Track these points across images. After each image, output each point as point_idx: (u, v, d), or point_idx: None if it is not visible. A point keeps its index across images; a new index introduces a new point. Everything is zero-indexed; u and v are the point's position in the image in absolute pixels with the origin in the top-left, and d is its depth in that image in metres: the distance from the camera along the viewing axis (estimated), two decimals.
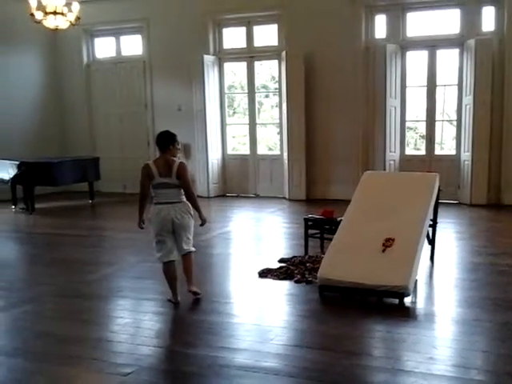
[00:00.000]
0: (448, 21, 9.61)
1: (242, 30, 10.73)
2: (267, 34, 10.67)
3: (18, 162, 9.61)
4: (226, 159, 11.11)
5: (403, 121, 10.05)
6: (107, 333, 4.18)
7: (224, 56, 10.91)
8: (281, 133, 10.67)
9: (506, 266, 5.55)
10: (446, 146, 10.87)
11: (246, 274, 5.57)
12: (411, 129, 11.09)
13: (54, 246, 7.18)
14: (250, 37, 10.66)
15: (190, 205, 4.58)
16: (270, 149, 11.67)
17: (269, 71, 11.65)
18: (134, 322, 4.40)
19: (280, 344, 3.81)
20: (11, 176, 9.66)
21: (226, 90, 11.22)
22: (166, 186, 4.46)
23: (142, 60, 11.32)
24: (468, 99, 9.29)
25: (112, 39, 11.75)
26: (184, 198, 4.55)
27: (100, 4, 10.85)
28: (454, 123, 10.02)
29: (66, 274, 5.76)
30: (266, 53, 10.68)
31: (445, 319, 4.25)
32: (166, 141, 4.55)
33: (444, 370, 3.32)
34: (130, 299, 4.94)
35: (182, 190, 4.53)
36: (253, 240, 7.56)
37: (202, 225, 4.72)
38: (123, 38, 11.68)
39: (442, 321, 4.24)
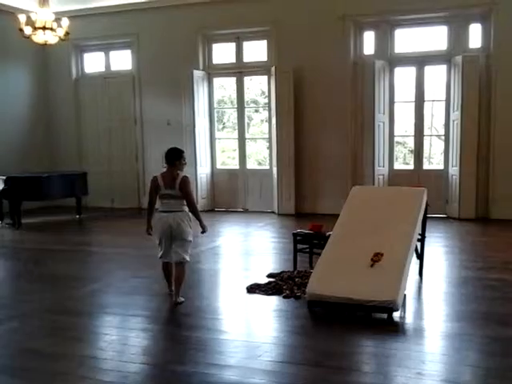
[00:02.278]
0: (436, 37, 9.76)
1: (232, 45, 10.82)
2: (257, 50, 10.77)
3: (4, 177, 9.55)
4: (215, 174, 11.12)
5: (392, 135, 10.14)
6: (94, 350, 4.14)
7: (213, 71, 10.98)
8: (270, 147, 10.72)
9: (495, 281, 5.58)
10: (434, 160, 10.98)
11: (234, 290, 5.56)
12: (400, 143, 11.20)
13: (41, 262, 7.11)
14: (239, 52, 10.75)
15: (189, 214, 5.07)
16: (260, 163, 11.71)
17: (258, 86, 11.74)
18: (121, 339, 4.36)
19: (268, 360, 3.80)
20: None
21: (216, 105, 11.28)
22: (170, 196, 4.99)
23: (131, 75, 11.37)
24: (456, 114, 9.41)
25: (101, 54, 11.79)
26: (186, 208, 5.04)
27: (89, 19, 10.91)
28: (443, 138, 10.14)
29: (52, 290, 5.71)
30: (256, 68, 10.76)
31: (434, 334, 4.26)
32: (173, 156, 5.10)
33: None
34: (117, 315, 4.90)
35: (185, 201, 5.01)
36: (241, 255, 7.55)
37: (202, 232, 5.19)
38: (113, 53, 11.73)
39: (431, 335, 4.24)
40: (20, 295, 5.72)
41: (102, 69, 11.80)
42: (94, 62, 11.94)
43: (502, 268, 6.10)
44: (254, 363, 3.74)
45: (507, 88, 9.04)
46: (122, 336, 4.44)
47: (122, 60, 11.62)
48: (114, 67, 11.73)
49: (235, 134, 11.17)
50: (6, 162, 10.62)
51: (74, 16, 9.74)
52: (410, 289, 5.16)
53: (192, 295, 5.40)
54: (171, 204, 4.98)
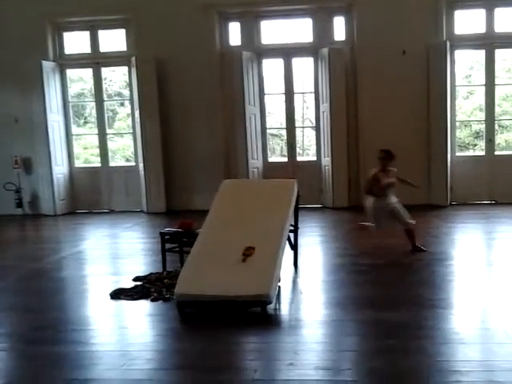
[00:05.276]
0: (301, 30, 10.14)
1: (86, 34, 10.40)
2: (114, 39, 10.46)
3: None
4: (73, 173, 10.65)
5: (264, 128, 10.37)
6: None
7: (66, 62, 10.50)
8: (135, 142, 10.47)
9: (365, 266, 5.91)
10: (310, 151, 11.39)
11: (97, 297, 5.33)
12: (276, 136, 11.49)
13: None
14: (94, 42, 10.37)
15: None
16: (128, 160, 11.40)
17: (122, 78, 11.40)
18: None
19: (136, 369, 3.67)
20: None
21: (73, 99, 10.78)
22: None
23: None
24: (325, 106, 9.85)
25: None
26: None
27: None
28: (315, 129, 10.56)
29: None
30: (114, 58, 10.47)
31: (308, 323, 4.39)
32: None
33: (304, 374, 3.41)
34: None
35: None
36: (107, 259, 7.29)
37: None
38: None
39: (306, 325, 4.37)
40: None
41: None
42: None
43: (372, 253, 6.48)
44: (119, 374, 3.61)
45: (371, 79, 9.63)
46: None
47: None
48: None
49: (96, 130, 10.76)
50: None
51: None
52: (284, 280, 5.29)
53: (49, 306, 5.10)
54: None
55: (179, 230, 6.02)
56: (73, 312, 5.10)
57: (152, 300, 5.02)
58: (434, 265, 5.91)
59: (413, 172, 9.61)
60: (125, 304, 5.04)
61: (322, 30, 9.92)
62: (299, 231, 6.14)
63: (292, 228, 5.83)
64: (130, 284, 5.50)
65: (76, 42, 10.58)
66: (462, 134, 12.74)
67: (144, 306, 4.93)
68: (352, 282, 5.43)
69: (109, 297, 5.19)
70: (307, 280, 5.62)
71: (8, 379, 3.69)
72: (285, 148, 11.27)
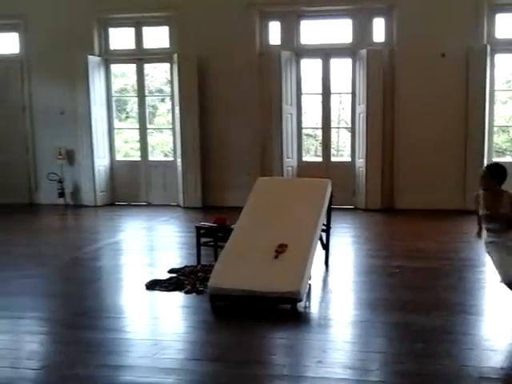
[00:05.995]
0: (341, 30, 10.08)
1: (131, 30, 10.54)
2: (158, 36, 10.58)
3: None
4: (114, 166, 10.81)
5: (300, 127, 10.36)
6: None
7: (111, 57, 10.66)
8: (174, 138, 10.59)
9: (397, 268, 5.86)
10: (344, 152, 11.32)
11: (133, 287, 5.44)
12: (311, 136, 11.47)
13: None
14: (139, 38, 10.49)
15: None
16: (166, 155, 11.52)
17: (164, 74, 11.53)
18: (6, 343, 4.14)
19: (168, 358, 3.74)
20: None
21: (116, 93, 10.95)
22: None
23: (18, 59, 10.76)
24: (361, 108, 9.78)
25: None
26: None
27: None
28: (350, 130, 10.49)
29: None
30: (157, 55, 10.58)
31: (337, 322, 4.39)
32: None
33: (332, 372, 3.42)
34: (3, 318, 4.63)
35: None
36: (143, 250, 7.42)
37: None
38: None
39: (335, 324, 4.37)
40: None
41: None
42: None
43: (404, 256, 6.42)
44: (153, 362, 3.68)
45: (409, 82, 9.51)
46: (7, 340, 4.22)
47: (9, 43, 10.96)
48: (0, 51, 11.05)
49: (137, 124, 10.92)
50: None
51: None
52: (315, 279, 5.29)
53: (86, 294, 5.23)
54: None
55: (214, 224, 6.09)
56: (108, 300, 5.22)
57: (186, 292, 5.10)
58: (466, 270, 5.82)
59: (449, 177, 9.54)
60: (159, 295, 5.14)
61: (362, 32, 9.84)
62: (331, 231, 6.14)
63: (324, 227, 5.83)
64: (164, 276, 5.59)
65: (121, 38, 10.74)
66: (499, 139, 12.46)
67: (177, 298, 5.01)
68: (382, 284, 5.39)
69: (144, 287, 5.29)
70: (338, 280, 5.61)
71: (46, 362, 3.81)
72: (319, 148, 11.24)
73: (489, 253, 4.36)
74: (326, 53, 10.06)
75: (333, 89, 10.30)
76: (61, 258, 6.63)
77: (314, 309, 4.79)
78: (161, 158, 11.40)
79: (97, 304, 4.97)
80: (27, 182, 10.95)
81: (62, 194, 10.48)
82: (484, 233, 4.50)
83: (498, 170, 4.42)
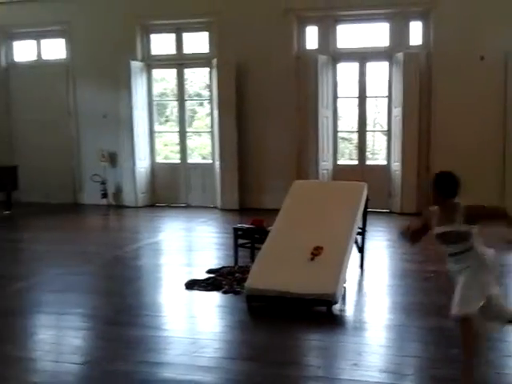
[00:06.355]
0: (377, 34, 9.98)
1: (171, 36, 10.68)
2: (197, 41, 10.67)
3: None
4: (155, 168, 10.95)
5: (335, 131, 10.31)
6: (23, 350, 4.01)
7: (152, 62, 10.81)
8: (213, 141, 10.68)
9: (431, 273, 5.76)
10: (379, 156, 11.20)
11: (172, 286, 5.51)
12: (346, 140, 11.39)
13: None
14: (179, 43, 10.62)
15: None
16: (204, 157, 11.61)
17: (202, 79, 11.63)
18: (52, 338, 4.28)
19: (206, 356, 3.79)
20: None
21: (156, 97, 11.11)
22: None
23: (64, 64, 11.01)
24: (397, 111, 9.66)
25: (33, 42, 11.36)
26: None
27: (19, 5, 10.50)
28: (386, 133, 10.38)
29: None
30: (197, 60, 10.67)
31: (372, 326, 4.36)
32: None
33: (367, 375, 3.40)
34: (48, 314, 4.79)
35: None
36: (182, 251, 7.50)
37: None
38: (44, 42, 11.31)
39: (370, 327, 4.34)
40: None
41: (34, 57, 11.38)
42: (24, 51, 11.48)
43: (439, 260, 6.28)
44: (192, 360, 3.73)
45: (446, 84, 9.34)
46: (52, 335, 4.37)
47: (55, 49, 11.24)
48: (47, 56, 11.34)
49: (177, 128, 11.04)
50: None
51: (2, 2, 9.35)
52: (350, 282, 5.26)
53: (127, 292, 5.33)
54: None
55: (251, 226, 6.12)
56: (148, 298, 5.31)
57: (223, 292, 5.14)
58: (503, 276, 5.67)
59: (486, 180, 9.33)
60: (197, 294, 5.19)
61: (398, 35, 9.72)
62: (367, 234, 6.08)
63: (360, 230, 5.79)
64: (202, 276, 5.64)
65: (162, 43, 10.87)
66: None
67: (215, 298, 5.06)
68: (417, 288, 5.32)
69: (183, 286, 5.35)
70: (372, 283, 5.57)
71: (89, 357, 3.90)
72: (353, 151, 11.14)
73: (452, 279, 3.56)
74: (362, 56, 9.98)
75: (368, 92, 10.21)
76: (103, 256, 6.77)
77: (349, 312, 4.76)
78: (199, 160, 11.49)
79: (137, 302, 5.05)
80: (72, 183, 11.20)
81: (104, 195, 10.67)
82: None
83: (440, 181, 3.43)
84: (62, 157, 11.09)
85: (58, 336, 4.36)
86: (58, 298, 5.18)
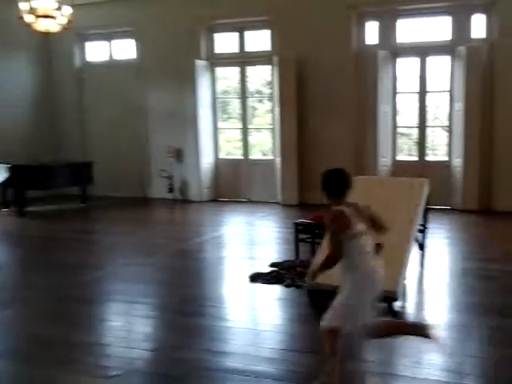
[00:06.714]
0: (439, 28, 9.69)
1: (235, 35, 10.77)
2: (259, 39, 10.71)
3: (9, 165, 9.59)
4: (218, 164, 11.11)
5: (395, 126, 10.11)
6: (96, 336, 4.20)
7: (216, 61, 10.94)
8: (274, 138, 10.71)
9: (495, 271, 5.58)
10: (439, 151, 10.89)
11: (236, 278, 5.59)
12: (405, 135, 11.13)
13: (44, 249, 7.17)
14: (242, 42, 10.70)
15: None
16: (264, 154, 11.66)
17: (263, 76, 11.67)
18: (124, 325, 4.43)
19: (269, 348, 3.84)
20: (2, 179, 9.64)
21: (219, 95, 11.25)
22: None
23: (135, 64, 11.31)
24: (459, 106, 9.36)
25: (105, 43, 11.75)
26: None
27: (92, 8, 10.85)
28: (447, 129, 10.09)
29: (56, 277, 5.76)
30: (259, 58, 10.70)
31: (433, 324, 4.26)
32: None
33: (430, 374, 3.35)
34: (119, 302, 4.95)
35: None
36: (244, 244, 7.57)
37: None
38: (116, 42, 11.68)
39: (431, 326, 4.24)
40: (23, 281, 5.79)
41: (106, 58, 11.76)
42: (97, 51, 11.89)
43: (502, 259, 6.09)
44: (255, 350, 3.79)
45: (510, 79, 8.97)
46: (123, 322, 4.52)
47: (126, 49, 11.57)
48: (118, 56, 11.69)
49: (239, 125, 11.15)
50: (11, 150, 10.62)
51: (76, 4, 9.68)
52: (411, 279, 5.17)
53: (194, 283, 5.45)
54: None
55: (312, 221, 6.12)
56: (212, 289, 5.41)
57: (285, 286, 5.18)
58: None
59: None
60: (259, 287, 5.24)
61: (460, 28, 9.40)
62: (427, 231, 5.95)
63: (421, 228, 5.67)
64: (265, 269, 5.70)
65: (225, 42, 10.98)
66: None
67: (277, 291, 5.09)
68: (479, 288, 5.16)
69: (246, 279, 5.42)
70: (433, 281, 5.44)
71: (156, 344, 4.03)
72: (412, 147, 10.88)
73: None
74: (422, 51, 9.72)
75: (429, 87, 9.94)
76: (169, 248, 6.94)
77: (410, 309, 4.68)
78: (260, 156, 11.55)
79: (202, 293, 5.16)
80: (141, 177, 11.50)
81: (171, 190, 10.89)
82: None
83: (325, 179, 3.28)
84: (132, 153, 11.43)
85: (129, 323, 4.50)
86: (128, 287, 5.36)
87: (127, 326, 4.43)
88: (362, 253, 3.15)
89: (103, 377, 3.45)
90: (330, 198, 3.24)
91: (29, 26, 8.41)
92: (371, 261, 3.20)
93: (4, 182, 9.67)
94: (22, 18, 8.24)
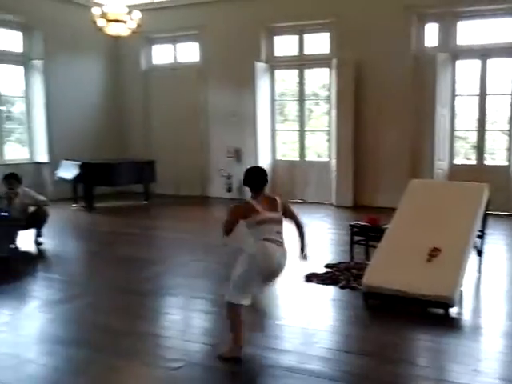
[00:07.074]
0: (501, 29, 9.34)
1: (294, 38, 10.75)
2: (318, 42, 10.65)
3: (79, 163, 9.97)
4: (275, 165, 11.12)
5: (452, 130, 9.82)
6: (157, 328, 4.31)
7: (275, 63, 10.96)
8: (329, 140, 10.63)
9: None
10: (498, 156, 10.50)
11: (291, 278, 5.58)
12: (462, 138, 10.80)
13: (111, 244, 7.41)
14: (301, 45, 10.67)
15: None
16: (319, 155, 11.60)
17: (320, 79, 11.61)
18: (184, 319, 4.53)
19: (324, 347, 3.83)
20: (73, 176, 10.03)
21: (277, 97, 11.27)
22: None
23: (198, 66, 11.48)
24: None
25: (169, 46, 12.00)
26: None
27: (159, 12, 11.11)
28: (507, 133, 9.70)
29: (122, 271, 5.96)
30: (317, 60, 10.64)
31: (491, 331, 4.14)
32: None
33: (488, 382, 3.25)
34: (181, 297, 5.05)
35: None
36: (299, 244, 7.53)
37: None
38: (180, 45, 11.90)
39: (489, 333, 4.12)
40: (91, 274, 6.01)
41: (170, 60, 11.99)
42: (162, 54, 12.16)
43: None
44: (310, 349, 3.79)
45: None
46: (184, 316, 4.61)
47: (190, 52, 11.77)
48: (182, 59, 11.91)
49: (295, 127, 11.13)
50: (82, 149, 11.05)
51: (144, 9, 9.94)
52: (468, 285, 5.02)
53: None
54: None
55: (367, 224, 6.05)
56: (271, 289, 5.41)
57: (340, 287, 5.14)
58: None
59: None
60: (314, 287, 5.22)
61: None
62: (486, 237, 5.76)
63: (479, 233, 5.49)
64: (319, 269, 5.68)
65: (284, 45, 10.98)
66: None
67: (332, 292, 5.06)
68: None
69: (301, 278, 5.41)
70: (490, 288, 5.26)
71: (216, 339, 4.07)
72: (469, 151, 10.53)
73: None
74: (483, 53, 9.39)
75: (489, 90, 9.59)
76: (226, 246, 7.00)
77: (466, 316, 4.55)
78: (315, 158, 11.49)
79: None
80: (201, 176, 11.66)
81: (229, 189, 10.96)
82: None
83: (246, 176, 3.76)
84: (193, 152, 11.60)
85: (189, 317, 4.59)
86: (187, 282, 5.45)
87: (187, 320, 4.53)
88: (260, 239, 3.60)
89: (165, 368, 3.53)
90: (250, 191, 3.73)
91: (100, 30, 8.70)
92: (269, 247, 3.63)
93: (74, 178, 10.06)
94: (94, 22, 8.54)
